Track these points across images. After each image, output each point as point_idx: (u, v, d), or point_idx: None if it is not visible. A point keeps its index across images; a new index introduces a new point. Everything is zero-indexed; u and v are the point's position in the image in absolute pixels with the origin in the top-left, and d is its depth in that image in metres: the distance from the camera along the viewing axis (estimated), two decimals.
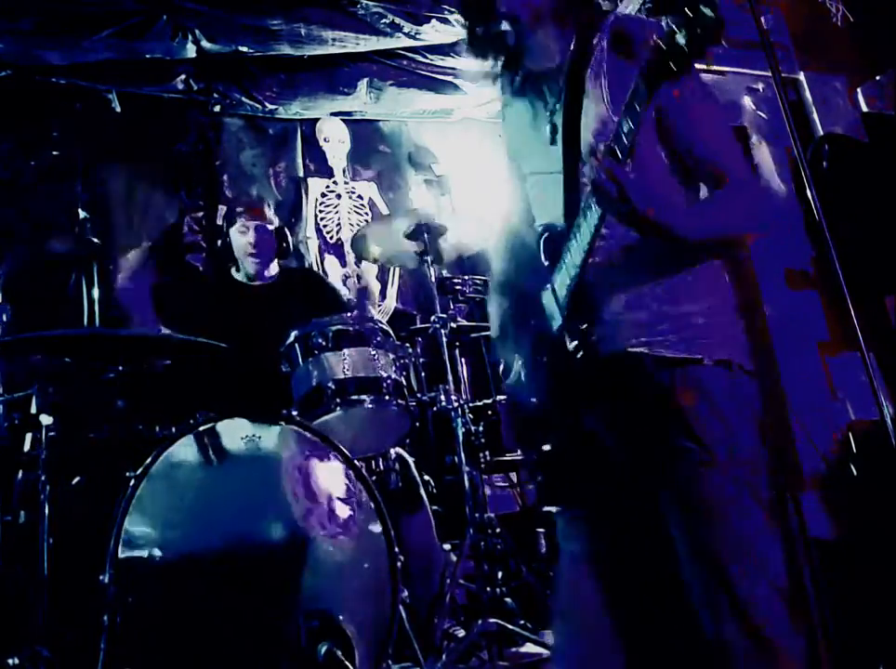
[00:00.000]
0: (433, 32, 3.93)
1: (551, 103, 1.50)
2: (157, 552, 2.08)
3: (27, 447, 2.48)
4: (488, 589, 2.74)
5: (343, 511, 2.37)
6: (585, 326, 1.42)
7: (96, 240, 2.92)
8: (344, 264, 4.29)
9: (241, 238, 3.21)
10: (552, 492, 1.55)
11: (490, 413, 3.64)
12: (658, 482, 1.41)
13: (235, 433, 2.31)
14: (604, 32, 1.45)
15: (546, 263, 1.50)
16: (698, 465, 1.36)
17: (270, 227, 3.28)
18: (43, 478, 2.23)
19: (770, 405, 2.60)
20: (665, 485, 1.40)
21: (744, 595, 1.32)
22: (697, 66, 1.47)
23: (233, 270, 3.27)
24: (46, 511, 2.21)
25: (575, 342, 1.43)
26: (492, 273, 1.79)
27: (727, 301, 1.48)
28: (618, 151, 1.29)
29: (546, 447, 1.52)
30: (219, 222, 3.43)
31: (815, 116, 3.98)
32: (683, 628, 1.41)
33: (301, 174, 4.31)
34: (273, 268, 3.28)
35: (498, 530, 2.92)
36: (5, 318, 2.63)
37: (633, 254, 1.43)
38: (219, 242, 3.27)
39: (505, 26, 1.54)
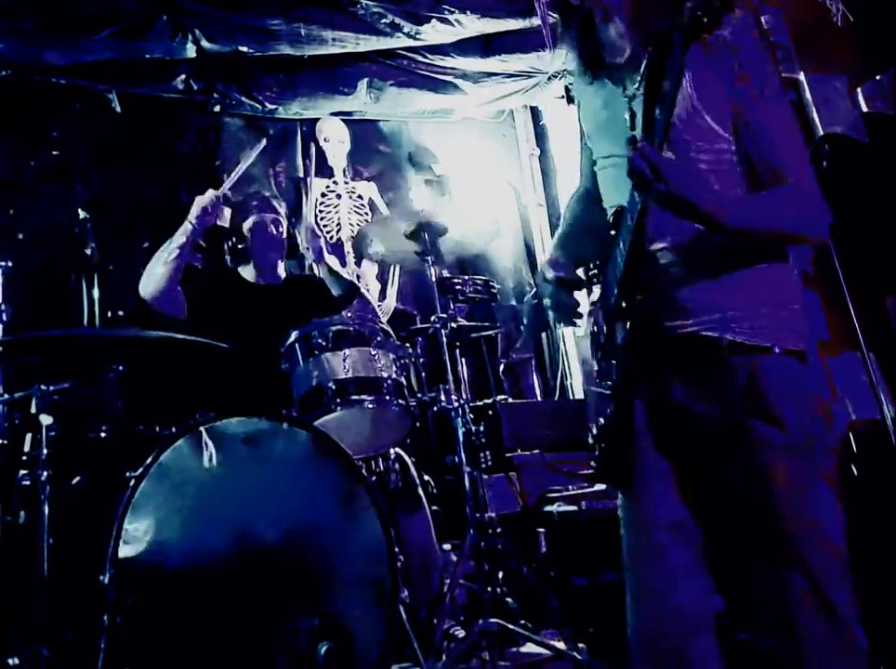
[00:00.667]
0: (433, 32, 3.94)
1: (631, 90, 1.52)
2: (157, 552, 2.08)
3: (27, 447, 2.48)
4: (488, 589, 2.74)
5: (342, 511, 2.37)
6: (638, 298, 1.44)
7: (93, 244, 2.92)
8: (344, 264, 4.29)
9: (256, 231, 3.20)
10: (607, 466, 1.56)
11: (490, 413, 3.65)
12: (724, 455, 1.43)
13: (235, 433, 2.31)
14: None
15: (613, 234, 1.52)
16: (773, 447, 1.38)
17: (284, 222, 3.29)
18: (43, 478, 2.23)
19: None
20: (734, 460, 1.42)
21: (823, 583, 1.34)
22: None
23: (241, 269, 3.26)
24: (46, 511, 2.20)
25: (623, 304, 1.45)
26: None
27: (797, 296, 1.50)
28: (654, 132, 1.32)
29: (601, 420, 1.53)
30: (221, 223, 3.42)
31: (815, 116, 3.98)
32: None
33: (301, 174, 4.31)
34: (281, 271, 3.28)
35: (499, 530, 2.91)
36: (5, 318, 2.63)
37: (705, 241, 1.45)
38: (230, 241, 3.25)
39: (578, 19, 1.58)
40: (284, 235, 3.27)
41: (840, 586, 1.35)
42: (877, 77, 4.14)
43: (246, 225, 3.22)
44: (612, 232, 1.50)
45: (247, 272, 3.23)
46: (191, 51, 3.65)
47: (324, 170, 4.38)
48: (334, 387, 2.61)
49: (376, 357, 2.69)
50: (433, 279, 3.14)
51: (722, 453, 1.43)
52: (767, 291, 1.45)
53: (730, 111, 1.45)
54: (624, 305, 1.46)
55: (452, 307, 3.56)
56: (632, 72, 1.51)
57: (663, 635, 1.44)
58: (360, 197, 4.43)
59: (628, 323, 1.46)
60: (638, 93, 1.48)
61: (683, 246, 1.47)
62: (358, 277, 4.29)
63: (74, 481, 2.41)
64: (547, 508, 3.29)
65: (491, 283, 3.91)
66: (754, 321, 1.42)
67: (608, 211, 1.58)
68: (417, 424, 2.82)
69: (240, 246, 3.21)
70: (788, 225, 1.43)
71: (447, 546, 3.11)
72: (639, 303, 1.44)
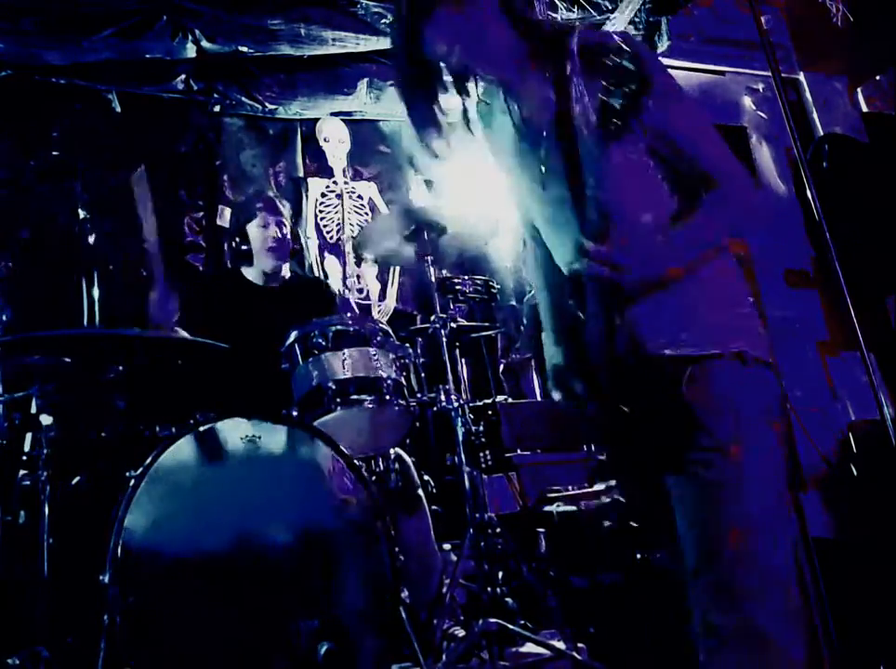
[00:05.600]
0: None
1: (544, 146, 1.51)
2: (157, 552, 2.08)
3: (27, 447, 2.48)
4: (488, 589, 2.74)
5: (342, 511, 2.37)
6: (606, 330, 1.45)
7: (93, 244, 2.91)
8: (344, 264, 4.29)
9: (262, 232, 3.18)
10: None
11: (490, 413, 3.65)
12: (666, 467, 1.44)
13: (235, 433, 2.30)
14: (571, 54, 1.40)
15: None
16: (706, 451, 1.37)
17: (288, 224, 3.28)
18: (43, 478, 2.23)
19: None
20: (674, 471, 1.42)
21: (736, 582, 1.31)
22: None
23: (244, 269, 3.26)
24: (46, 511, 2.20)
25: (597, 340, 1.45)
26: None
27: (740, 293, 1.50)
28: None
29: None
30: (221, 223, 3.41)
31: (815, 116, 3.99)
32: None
33: (301, 174, 4.32)
34: (285, 270, 3.28)
35: (498, 530, 2.91)
36: (4, 318, 2.63)
37: (655, 275, 1.46)
38: (234, 240, 3.24)
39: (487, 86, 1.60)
40: (289, 237, 3.26)
41: (763, 592, 1.31)
42: (877, 77, 4.15)
43: (251, 226, 3.21)
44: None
45: (250, 273, 3.23)
46: (191, 51, 3.65)
47: (324, 170, 4.38)
48: (334, 387, 2.61)
49: (376, 357, 2.69)
50: (433, 279, 3.14)
51: (661, 455, 1.45)
52: (710, 297, 1.45)
53: (639, 129, 1.43)
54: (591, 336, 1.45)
55: (451, 307, 3.56)
56: (544, 122, 1.50)
57: None
58: (360, 197, 4.42)
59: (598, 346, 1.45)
60: (549, 148, 1.47)
61: (638, 285, 1.46)
62: (358, 277, 4.29)
63: (74, 481, 2.41)
64: (547, 508, 3.29)
65: (491, 283, 3.91)
66: (694, 330, 1.43)
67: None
68: (417, 424, 2.83)
69: (243, 247, 3.20)
70: (731, 231, 1.45)
71: (447, 546, 3.11)
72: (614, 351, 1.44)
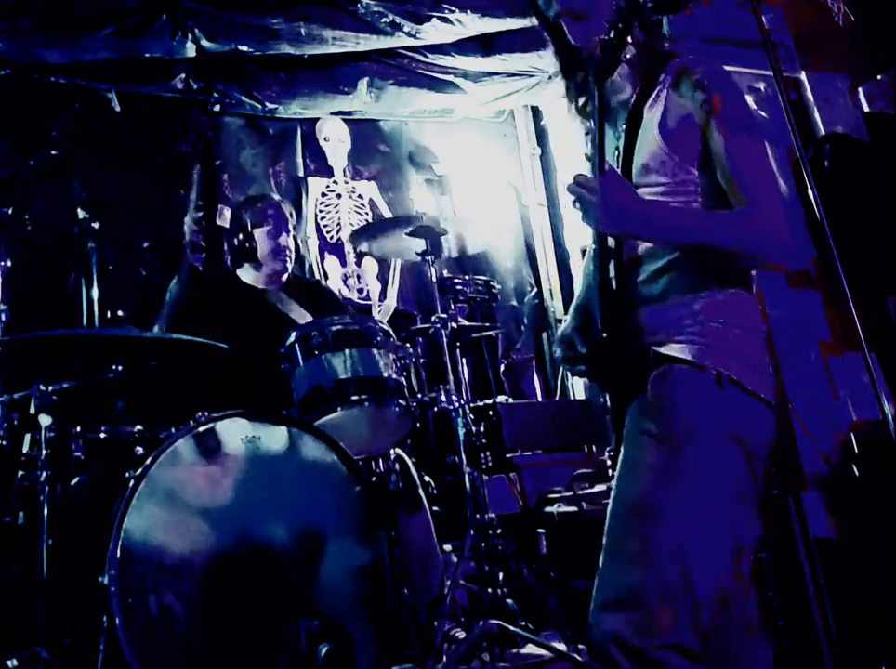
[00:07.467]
0: (434, 32, 3.93)
1: (619, 129, 1.59)
2: (157, 553, 2.07)
3: (26, 448, 2.47)
4: (489, 590, 2.74)
5: (343, 512, 2.36)
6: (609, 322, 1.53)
7: (95, 225, 2.88)
8: (344, 264, 4.28)
9: (271, 240, 3.17)
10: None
11: (491, 413, 3.64)
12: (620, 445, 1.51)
13: (235, 433, 2.30)
14: (670, 72, 1.57)
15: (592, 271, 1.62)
16: (649, 435, 1.44)
17: (293, 229, 3.27)
18: (42, 478, 2.22)
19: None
20: (623, 448, 1.50)
21: (654, 557, 1.35)
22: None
23: (241, 271, 3.24)
24: (46, 512, 2.20)
25: (603, 335, 1.53)
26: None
27: (745, 321, 1.52)
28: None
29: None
30: (221, 223, 3.39)
31: (817, 116, 3.97)
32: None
33: (301, 173, 4.31)
34: (286, 276, 3.27)
35: (499, 531, 2.91)
36: (4, 318, 2.62)
37: (667, 269, 1.54)
38: (237, 238, 3.21)
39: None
40: (293, 245, 3.25)
41: (668, 569, 1.34)
42: (878, 77, 4.14)
43: (258, 232, 3.18)
44: (592, 268, 1.60)
45: (250, 275, 3.22)
46: (190, 50, 3.64)
47: (324, 170, 4.38)
48: (334, 388, 2.60)
49: (377, 357, 2.69)
50: (433, 279, 3.14)
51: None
52: (713, 312, 1.49)
53: (698, 144, 1.51)
54: (605, 334, 1.52)
55: (452, 307, 3.56)
56: (625, 109, 1.59)
57: None
58: (360, 197, 4.42)
59: (609, 347, 1.53)
60: (622, 132, 1.56)
61: (648, 275, 1.54)
62: (358, 277, 4.29)
63: (74, 482, 2.40)
64: (548, 509, 3.29)
65: (491, 284, 3.91)
66: (684, 336, 1.48)
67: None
68: (418, 424, 2.82)
69: (248, 245, 3.17)
70: (730, 242, 1.45)
71: (448, 547, 3.10)
72: (613, 332, 1.51)
